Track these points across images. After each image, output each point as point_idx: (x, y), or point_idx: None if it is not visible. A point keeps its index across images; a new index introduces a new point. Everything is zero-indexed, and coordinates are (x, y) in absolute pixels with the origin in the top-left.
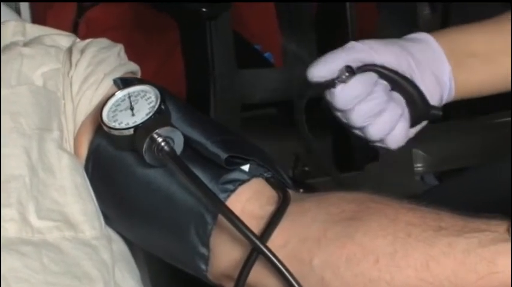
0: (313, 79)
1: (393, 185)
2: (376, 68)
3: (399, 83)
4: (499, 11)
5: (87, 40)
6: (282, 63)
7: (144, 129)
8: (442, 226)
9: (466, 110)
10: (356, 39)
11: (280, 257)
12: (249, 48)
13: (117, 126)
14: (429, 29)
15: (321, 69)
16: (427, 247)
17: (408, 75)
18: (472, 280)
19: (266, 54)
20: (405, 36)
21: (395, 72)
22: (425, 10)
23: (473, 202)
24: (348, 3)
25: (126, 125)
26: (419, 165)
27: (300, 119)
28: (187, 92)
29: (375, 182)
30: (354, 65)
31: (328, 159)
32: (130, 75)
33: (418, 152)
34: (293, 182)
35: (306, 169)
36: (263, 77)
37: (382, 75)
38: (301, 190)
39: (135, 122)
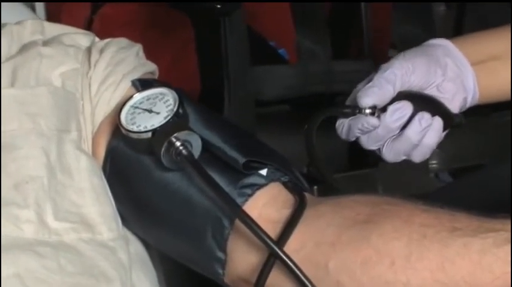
0: (364, 106)
1: (407, 182)
2: (402, 94)
3: (423, 104)
4: None
5: (106, 40)
6: (296, 60)
7: (162, 132)
8: (457, 227)
9: (481, 108)
10: (370, 35)
11: (295, 261)
12: (263, 45)
13: (135, 129)
14: (444, 27)
15: (374, 100)
16: (442, 248)
17: (435, 85)
18: (488, 280)
19: (280, 51)
20: (426, 43)
21: (419, 95)
22: (440, 5)
23: (487, 200)
24: (362, 3)
25: (144, 128)
26: (433, 162)
27: (310, 143)
28: (201, 89)
29: (389, 179)
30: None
31: (343, 156)
32: (148, 75)
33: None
34: (307, 179)
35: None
36: (277, 73)
37: (408, 97)
38: (315, 187)
39: (153, 125)
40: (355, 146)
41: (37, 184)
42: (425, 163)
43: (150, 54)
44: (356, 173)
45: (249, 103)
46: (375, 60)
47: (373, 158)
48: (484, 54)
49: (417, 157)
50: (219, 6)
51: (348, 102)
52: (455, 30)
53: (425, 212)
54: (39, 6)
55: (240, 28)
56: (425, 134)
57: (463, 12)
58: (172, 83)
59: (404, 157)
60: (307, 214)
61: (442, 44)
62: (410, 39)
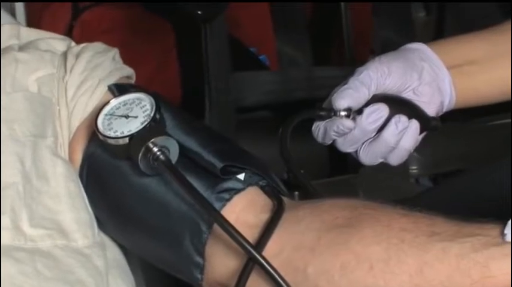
0: (339, 108)
1: (388, 187)
2: (379, 96)
3: (400, 107)
4: (492, 12)
5: (82, 44)
6: (277, 66)
7: (139, 138)
8: (436, 231)
9: (460, 113)
10: (351, 41)
11: (274, 265)
12: (244, 51)
13: (112, 135)
14: (424, 31)
15: (349, 102)
16: (420, 253)
17: (411, 89)
18: (466, 284)
19: (261, 57)
20: (402, 47)
21: (395, 98)
22: (420, 12)
23: (467, 204)
24: (342, 4)
25: (121, 133)
26: (414, 167)
27: (284, 146)
28: (182, 95)
29: (370, 185)
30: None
31: (323, 161)
32: (125, 79)
33: (412, 154)
34: (288, 184)
35: (301, 171)
36: (258, 79)
37: (384, 100)
38: (296, 193)
39: (130, 131)
40: (335, 152)
41: (12, 190)
42: (405, 168)
43: (132, 60)
44: (337, 179)
45: (230, 109)
46: (356, 65)
47: (354, 164)
48: (461, 58)
49: (394, 160)
50: (200, 12)
51: (324, 106)
52: (435, 37)
53: (404, 216)
54: (20, 13)
55: (221, 34)
56: (402, 137)
57: (443, 18)
58: (155, 89)
59: (381, 160)
60: (286, 218)
61: (418, 48)
62: (390, 45)
